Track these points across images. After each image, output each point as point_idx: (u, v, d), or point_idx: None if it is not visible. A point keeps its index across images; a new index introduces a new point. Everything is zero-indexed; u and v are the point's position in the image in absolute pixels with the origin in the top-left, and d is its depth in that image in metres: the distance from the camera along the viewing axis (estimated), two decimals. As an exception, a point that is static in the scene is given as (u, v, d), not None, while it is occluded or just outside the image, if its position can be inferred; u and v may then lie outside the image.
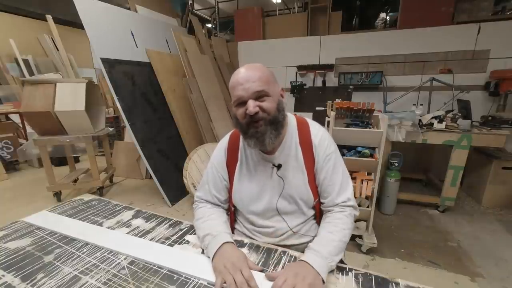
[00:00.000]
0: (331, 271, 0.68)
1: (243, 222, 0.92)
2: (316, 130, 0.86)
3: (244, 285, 0.60)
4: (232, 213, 0.94)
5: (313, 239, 0.81)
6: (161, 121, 2.80)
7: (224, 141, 0.93)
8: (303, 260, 0.66)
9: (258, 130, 0.74)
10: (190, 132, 2.97)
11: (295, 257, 0.74)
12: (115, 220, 0.96)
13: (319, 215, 0.88)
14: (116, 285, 0.64)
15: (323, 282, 0.63)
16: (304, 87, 3.44)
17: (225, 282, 0.62)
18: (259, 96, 0.72)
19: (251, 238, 0.88)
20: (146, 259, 0.73)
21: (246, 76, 0.73)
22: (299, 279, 0.60)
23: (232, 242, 0.74)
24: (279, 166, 0.82)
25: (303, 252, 0.73)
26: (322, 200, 0.86)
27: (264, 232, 0.87)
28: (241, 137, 0.85)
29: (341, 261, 0.73)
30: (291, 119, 0.87)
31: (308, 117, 0.91)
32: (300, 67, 3.39)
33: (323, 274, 0.63)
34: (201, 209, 0.90)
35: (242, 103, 0.74)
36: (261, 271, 0.67)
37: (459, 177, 2.21)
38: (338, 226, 0.77)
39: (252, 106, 0.71)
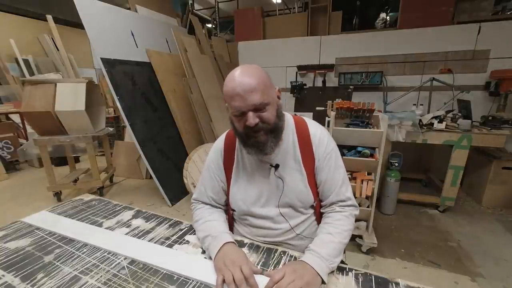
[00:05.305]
0: (331, 272, 0.68)
1: (243, 224, 0.90)
2: (315, 129, 0.84)
3: (242, 282, 0.60)
4: (231, 216, 0.92)
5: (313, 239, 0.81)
6: (161, 121, 2.80)
7: (219, 142, 0.90)
8: (302, 260, 0.66)
9: (258, 140, 0.73)
10: (190, 132, 2.97)
11: (295, 257, 0.74)
12: (115, 220, 0.96)
13: (319, 216, 0.87)
14: (116, 285, 0.64)
15: (324, 282, 0.63)
16: (304, 87, 3.43)
17: (224, 280, 0.62)
18: (259, 108, 0.70)
19: (251, 239, 0.88)
20: (146, 261, 0.72)
21: (243, 84, 0.68)
22: (298, 275, 0.61)
23: (233, 242, 0.74)
24: (276, 166, 0.80)
25: (303, 252, 0.73)
26: (322, 200, 0.84)
27: (264, 234, 0.86)
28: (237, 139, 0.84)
29: (341, 261, 0.73)
30: (289, 118, 0.85)
31: (308, 117, 0.90)
32: (300, 67, 3.38)
33: (323, 274, 0.63)
34: (199, 210, 0.89)
35: (241, 113, 0.71)
36: (261, 273, 0.67)
37: (459, 177, 2.21)
38: (338, 228, 0.76)
39: (252, 118, 0.69)
